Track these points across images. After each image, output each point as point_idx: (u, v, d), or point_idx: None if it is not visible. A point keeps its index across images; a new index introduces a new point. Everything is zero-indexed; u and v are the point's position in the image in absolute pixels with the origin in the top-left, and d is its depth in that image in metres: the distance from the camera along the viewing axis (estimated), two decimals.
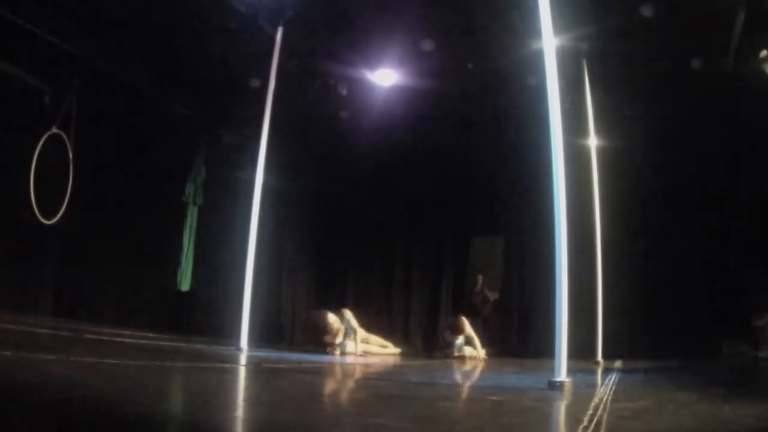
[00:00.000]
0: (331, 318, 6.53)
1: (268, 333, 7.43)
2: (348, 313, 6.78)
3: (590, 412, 2.41)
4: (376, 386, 3.76)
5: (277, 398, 2.82)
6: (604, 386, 3.59)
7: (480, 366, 6.30)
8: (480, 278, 9.03)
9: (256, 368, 4.33)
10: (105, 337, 5.33)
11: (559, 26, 3.93)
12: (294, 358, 5.67)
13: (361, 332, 6.85)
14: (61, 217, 6.44)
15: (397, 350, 7.51)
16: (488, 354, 7.32)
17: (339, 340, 6.57)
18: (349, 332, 6.69)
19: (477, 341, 7.21)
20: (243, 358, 4.87)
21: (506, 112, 7.66)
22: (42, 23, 5.90)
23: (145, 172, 7.98)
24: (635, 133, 7.38)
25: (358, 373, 4.70)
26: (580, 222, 5.64)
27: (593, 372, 5.01)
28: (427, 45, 6.75)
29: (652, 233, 7.55)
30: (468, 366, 6.18)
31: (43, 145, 6.25)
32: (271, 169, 5.73)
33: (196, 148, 8.25)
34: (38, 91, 6.57)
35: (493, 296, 8.79)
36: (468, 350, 7.19)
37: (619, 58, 6.72)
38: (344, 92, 7.47)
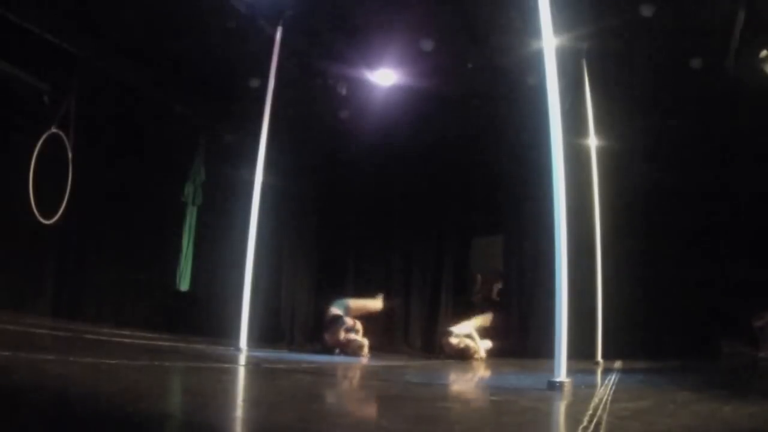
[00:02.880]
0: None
1: (267, 333, 7.43)
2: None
3: (590, 412, 2.40)
4: (376, 386, 3.76)
5: (277, 398, 2.82)
6: (604, 386, 3.59)
7: (479, 366, 6.29)
8: (479, 278, 9.02)
9: (255, 368, 4.33)
10: (104, 337, 5.33)
11: (559, 26, 3.93)
12: (294, 358, 5.67)
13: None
14: (60, 217, 6.44)
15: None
16: (487, 353, 7.29)
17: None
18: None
19: (477, 339, 7.21)
20: (242, 358, 4.86)
21: (506, 112, 7.65)
22: (42, 23, 5.90)
23: (145, 172, 7.98)
24: (635, 133, 7.38)
25: (358, 374, 4.70)
26: (580, 222, 5.65)
27: (593, 372, 5.00)
28: (427, 45, 6.75)
29: (652, 233, 7.54)
30: (467, 366, 6.18)
31: (43, 145, 6.25)
32: (270, 169, 5.73)
33: (196, 148, 8.25)
34: (38, 91, 6.57)
35: (496, 288, 8.72)
36: (470, 343, 7.11)
37: (619, 58, 6.72)
38: (344, 92, 7.47)
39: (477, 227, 8.97)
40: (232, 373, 3.85)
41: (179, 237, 8.12)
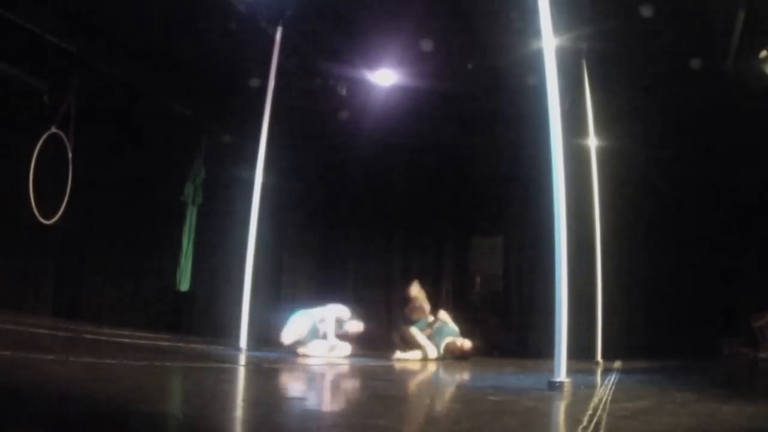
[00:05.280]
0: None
1: (267, 333, 7.43)
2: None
3: (590, 412, 2.40)
4: (376, 387, 3.76)
5: (276, 399, 2.82)
6: (604, 386, 3.59)
7: (477, 366, 6.28)
8: (479, 280, 9.02)
9: (255, 368, 4.33)
10: (104, 337, 5.33)
11: (559, 26, 3.94)
12: (293, 359, 5.67)
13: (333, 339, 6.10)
14: (60, 217, 6.44)
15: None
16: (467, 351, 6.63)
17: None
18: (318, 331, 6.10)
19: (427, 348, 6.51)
20: (242, 359, 4.87)
21: (506, 112, 7.65)
22: (42, 23, 5.90)
23: (145, 172, 7.98)
24: (635, 133, 7.38)
25: (357, 374, 4.70)
26: (580, 222, 5.65)
27: (593, 372, 5.00)
28: (427, 45, 6.75)
29: (652, 233, 7.55)
30: (467, 366, 6.17)
31: (43, 145, 6.25)
32: (270, 169, 5.73)
33: (196, 148, 8.25)
34: (38, 91, 6.57)
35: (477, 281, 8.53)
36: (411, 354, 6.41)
37: (618, 58, 6.72)
38: (344, 92, 7.47)
39: (477, 227, 8.97)
40: (232, 373, 3.85)
41: (179, 237, 8.12)
